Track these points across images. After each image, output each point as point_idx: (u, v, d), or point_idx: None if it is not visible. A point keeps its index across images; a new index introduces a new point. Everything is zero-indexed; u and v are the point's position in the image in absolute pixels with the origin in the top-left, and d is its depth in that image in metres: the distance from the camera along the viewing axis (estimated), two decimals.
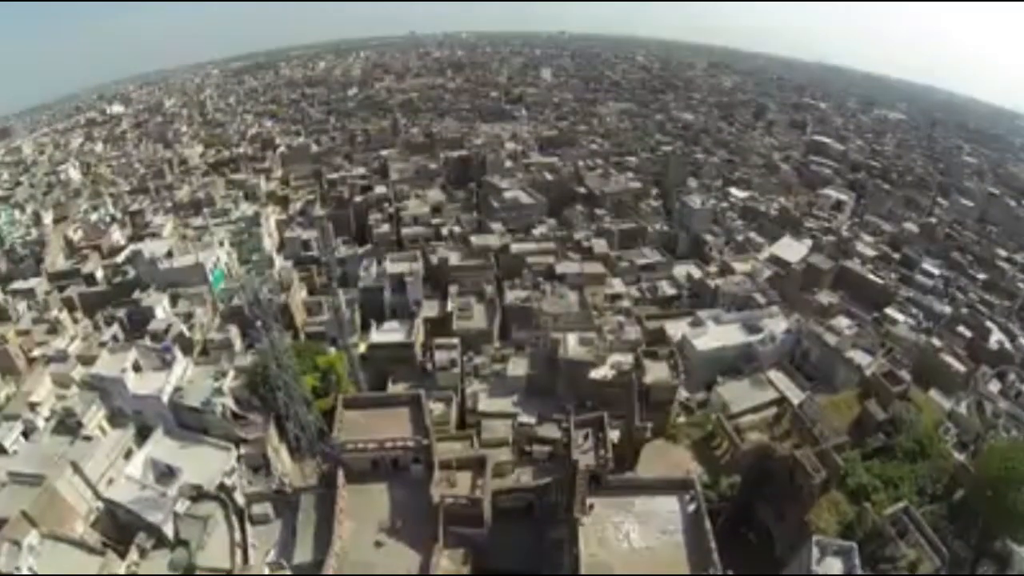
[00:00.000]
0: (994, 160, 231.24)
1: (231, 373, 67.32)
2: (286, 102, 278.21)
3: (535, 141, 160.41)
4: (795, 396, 70.17)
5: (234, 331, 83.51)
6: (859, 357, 74.62)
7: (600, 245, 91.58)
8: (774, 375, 73.64)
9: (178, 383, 65.88)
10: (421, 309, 77.55)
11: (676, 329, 74.75)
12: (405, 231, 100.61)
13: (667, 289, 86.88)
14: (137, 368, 67.00)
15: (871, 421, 66.06)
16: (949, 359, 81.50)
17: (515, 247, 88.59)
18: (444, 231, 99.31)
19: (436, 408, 62.72)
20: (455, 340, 69.12)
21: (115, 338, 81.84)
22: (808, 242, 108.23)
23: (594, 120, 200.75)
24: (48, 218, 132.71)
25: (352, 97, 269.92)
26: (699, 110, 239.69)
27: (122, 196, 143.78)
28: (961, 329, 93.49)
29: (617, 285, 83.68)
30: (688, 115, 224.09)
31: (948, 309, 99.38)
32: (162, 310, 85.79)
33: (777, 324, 78.94)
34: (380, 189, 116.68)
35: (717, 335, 74.46)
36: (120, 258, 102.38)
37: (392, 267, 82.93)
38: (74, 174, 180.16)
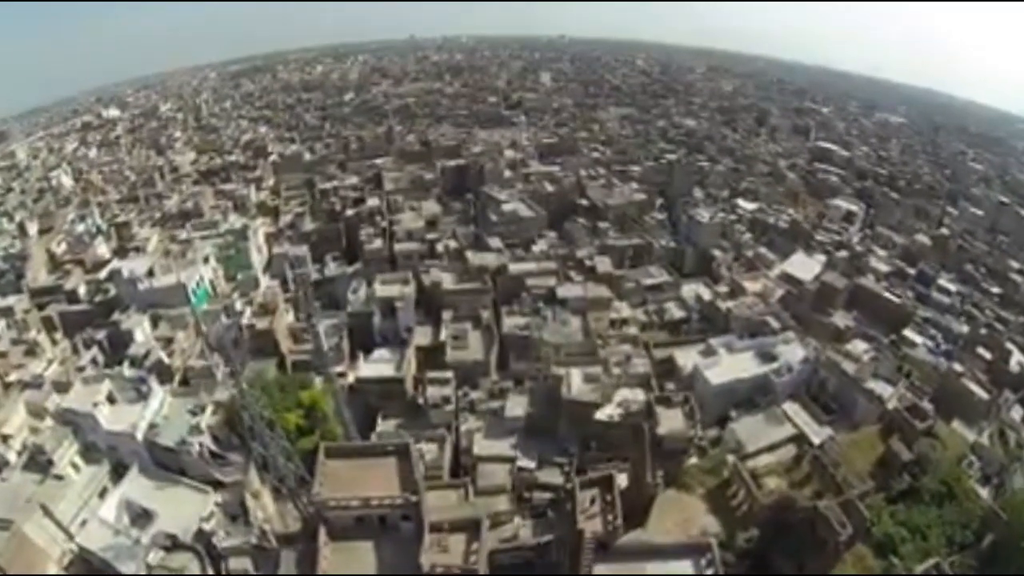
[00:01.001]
0: (998, 165, 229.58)
1: (210, 408, 63.16)
2: (281, 107, 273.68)
3: (535, 149, 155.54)
4: (813, 432, 66.23)
5: (216, 358, 79.53)
6: (880, 388, 70.78)
7: (604, 263, 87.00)
8: (790, 408, 69.47)
9: (154, 418, 62.12)
10: (413, 336, 72.99)
11: (687, 358, 70.40)
12: (398, 247, 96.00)
13: (675, 312, 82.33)
14: (111, 400, 63.46)
15: (896, 461, 62.31)
16: (971, 385, 76.95)
17: (514, 267, 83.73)
18: (439, 247, 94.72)
19: (428, 450, 58.65)
20: (448, 374, 64.72)
21: (94, 361, 78.44)
22: (821, 258, 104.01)
23: (595, 126, 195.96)
24: (33, 229, 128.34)
25: (348, 102, 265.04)
26: (701, 116, 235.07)
27: (110, 205, 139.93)
28: (980, 350, 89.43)
29: (623, 309, 78.91)
30: (690, 121, 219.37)
31: (966, 328, 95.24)
32: (142, 333, 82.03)
33: (793, 352, 74.75)
34: (373, 201, 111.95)
35: (730, 366, 70.06)
36: (103, 273, 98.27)
37: (382, 290, 78.25)
38: (66, 181, 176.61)
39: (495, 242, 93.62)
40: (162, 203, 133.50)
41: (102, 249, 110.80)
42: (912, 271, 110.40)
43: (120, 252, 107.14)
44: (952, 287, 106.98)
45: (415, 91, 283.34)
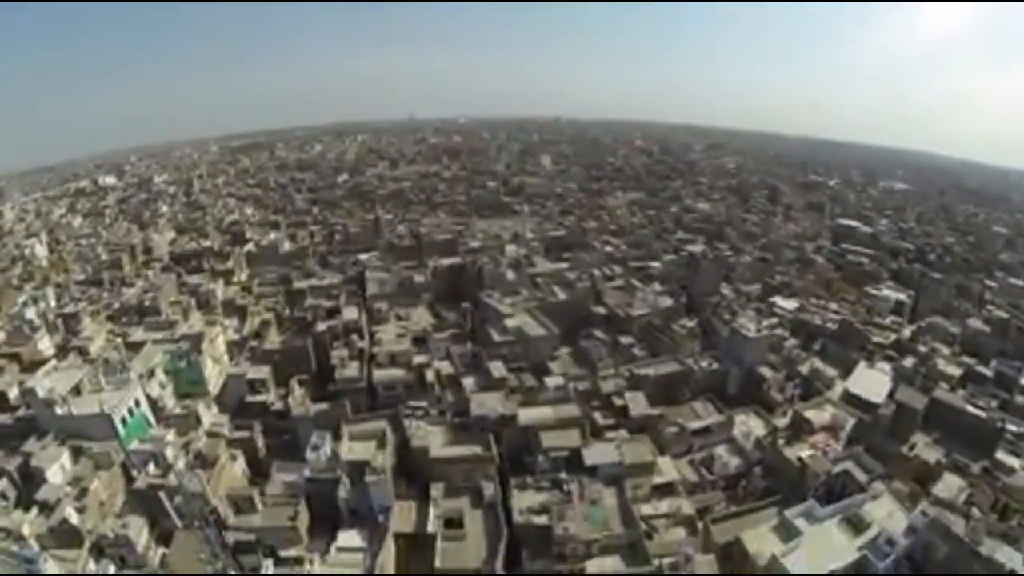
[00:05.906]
0: (1011, 224, 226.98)
1: None
2: (273, 186, 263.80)
3: (540, 243, 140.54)
4: None
5: (139, 524, 59.83)
6: (1001, 553, 53.28)
7: (638, 402, 68.89)
8: None
9: None
10: (391, 517, 54.56)
11: (758, 541, 52.30)
12: (378, 374, 78.60)
13: (730, 461, 63.91)
14: None
15: None
16: None
17: (524, 414, 65.08)
18: (428, 375, 77.07)
19: None
20: None
21: (3, 496, 59.18)
22: (886, 367, 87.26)
23: (604, 215, 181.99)
24: None
25: (341, 184, 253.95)
26: (712, 197, 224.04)
27: (70, 287, 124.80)
28: None
29: (667, 469, 59.48)
30: (704, 204, 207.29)
31: None
32: (59, 470, 62.13)
33: (886, 512, 57.37)
34: (350, 313, 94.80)
35: (817, 548, 51.45)
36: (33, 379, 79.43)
37: (350, 450, 60.20)
38: (39, 251, 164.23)
39: (498, 367, 76.26)
40: (122, 292, 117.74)
41: (44, 343, 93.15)
42: (986, 370, 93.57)
43: (63, 349, 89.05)
44: None
45: (411, 174, 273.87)
